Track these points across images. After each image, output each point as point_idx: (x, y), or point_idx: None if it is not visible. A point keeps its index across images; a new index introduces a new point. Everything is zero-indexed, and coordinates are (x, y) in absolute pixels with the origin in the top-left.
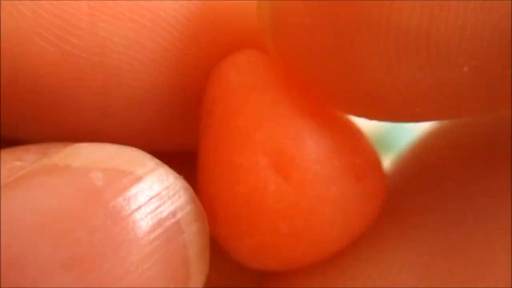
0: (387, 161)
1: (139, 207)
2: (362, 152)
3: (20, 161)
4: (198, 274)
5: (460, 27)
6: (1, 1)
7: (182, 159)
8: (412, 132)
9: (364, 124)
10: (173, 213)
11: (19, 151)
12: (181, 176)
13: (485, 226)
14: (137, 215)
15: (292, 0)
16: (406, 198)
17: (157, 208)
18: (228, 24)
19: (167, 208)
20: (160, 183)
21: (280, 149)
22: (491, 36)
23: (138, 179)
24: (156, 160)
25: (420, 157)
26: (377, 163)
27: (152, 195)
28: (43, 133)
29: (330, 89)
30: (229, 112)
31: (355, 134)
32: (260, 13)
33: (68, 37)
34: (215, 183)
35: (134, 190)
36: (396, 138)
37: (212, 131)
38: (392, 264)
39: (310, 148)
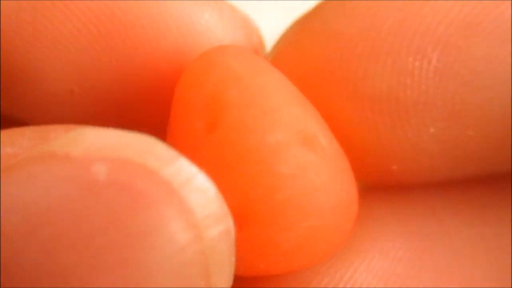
0: None
1: (149, 208)
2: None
3: (12, 147)
4: (222, 284)
5: (424, 92)
6: (1, 1)
7: None
8: None
9: None
10: (191, 213)
11: (13, 135)
12: (203, 170)
13: (448, 233)
14: (146, 218)
15: (286, 65)
16: (371, 205)
17: (171, 208)
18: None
19: (182, 205)
20: (176, 178)
21: (305, 127)
22: (451, 100)
23: (150, 173)
24: (173, 151)
25: None
26: None
27: (166, 193)
28: None
29: None
30: (248, 96)
31: None
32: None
33: None
34: (247, 173)
35: (143, 186)
36: None
37: (228, 121)
38: (356, 268)
39: (325, 125)
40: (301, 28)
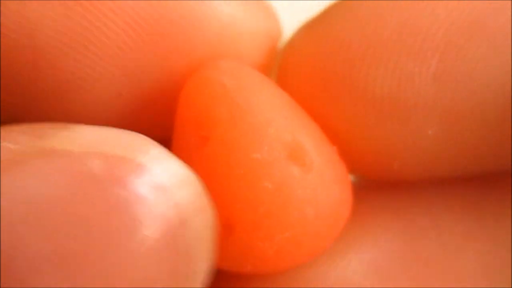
0: None
1: (140, 198)
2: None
3: (13, 143)
4: (202, 271)
5: (423, 94)
6: (1, 1)
7: None
8: None
9: None
10: (177, 205)
11: (13, 132)
12: (187, 165)
13: (440, 229)
14: (138, 207)
15: (294, 67)
16: (368, 200)
17: (159, 199)
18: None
19: (171, 200)
20: (163, 172)
21: (293, 140)
22: (450, 103)
23: (140, 167)
24: (160, 147)
25: None
26: None
27: (154, 185)
28: None
29: None
30: (237, 113)
31: None
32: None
33: None
34: (233, 187)
35: (135, 179)
36: None
37: (218, 136)
38: (349, 259)
39: (314, 135)
40: (307, 33)
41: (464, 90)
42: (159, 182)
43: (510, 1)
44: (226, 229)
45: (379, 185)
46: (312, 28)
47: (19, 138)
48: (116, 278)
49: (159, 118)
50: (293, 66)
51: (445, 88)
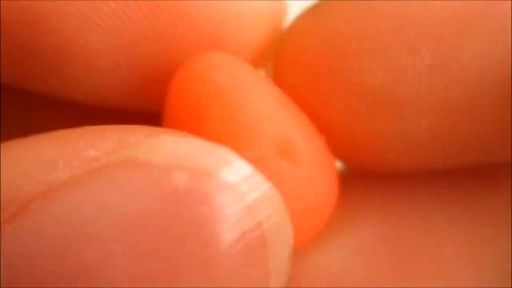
0: None
1: (224, 217)
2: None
3: (94, 150)
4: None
5: (417, 88)
6: (1, 1)
7: None
8: None
9: None
10: (259, 224)
11: (93, 136)
12: (270, 182)
13: (425, 217)
14: (221, 226)
15: (288, 59)
16: (353, 190)
17: (243, 217)
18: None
19: (254, 218)
20: (248, 188)
21: (283, 136)
22: (443, 96)
23: (224, 183)
24: (242, 160)
25: None
26: None
27: (238, 203)
28: None
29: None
30: (228, 112)
31: None
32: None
33: None
34: None
35: (219, 196)
36: None
37: (208, 134)
38: (331, 250)
39: (303, 129)
40: (301, 26)
41: (458, 83)
42: (243, 199)
43: None
44: None
45: (366, 174)
46: (306, 20)
47: (101, 144)
48: None
49: (156, 93)
50: (287, 58)
51: (439, 81)
